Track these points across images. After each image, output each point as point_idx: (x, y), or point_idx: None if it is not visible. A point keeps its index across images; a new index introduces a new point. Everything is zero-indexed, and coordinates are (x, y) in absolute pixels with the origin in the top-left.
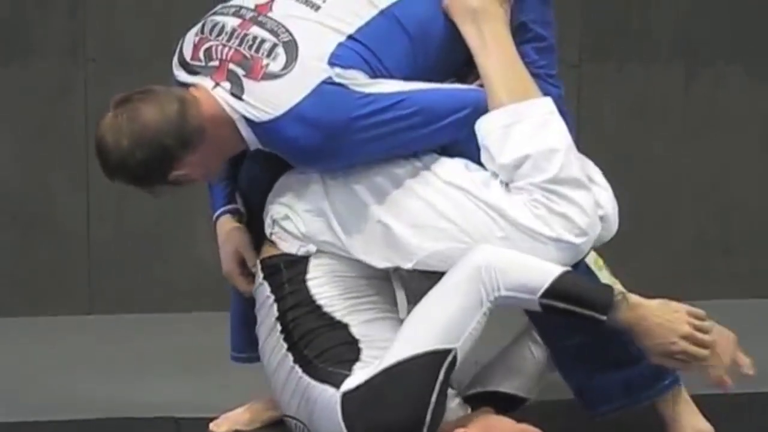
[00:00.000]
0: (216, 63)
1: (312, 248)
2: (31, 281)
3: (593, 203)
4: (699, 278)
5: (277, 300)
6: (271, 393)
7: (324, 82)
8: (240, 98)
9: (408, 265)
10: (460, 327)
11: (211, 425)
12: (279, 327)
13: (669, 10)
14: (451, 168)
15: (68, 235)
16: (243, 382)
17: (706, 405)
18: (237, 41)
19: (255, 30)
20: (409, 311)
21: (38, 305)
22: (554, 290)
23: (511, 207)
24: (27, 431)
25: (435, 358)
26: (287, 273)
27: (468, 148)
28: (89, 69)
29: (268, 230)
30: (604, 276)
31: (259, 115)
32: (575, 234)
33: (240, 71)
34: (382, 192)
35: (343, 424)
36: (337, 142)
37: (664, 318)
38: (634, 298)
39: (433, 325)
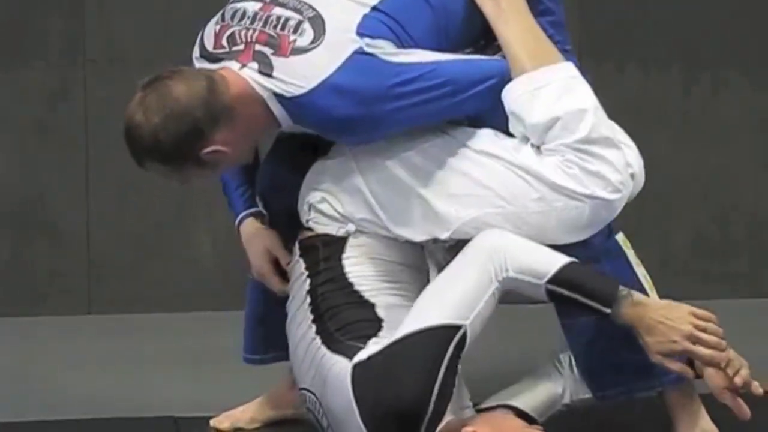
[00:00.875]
0: (241, 47)
1: (351, 228)
2: (31, 281)
3: (624, 161)
4: (697, 279)
5: (310, 276)
6: (270, 391)
7: (355, 52)
8: (270, 76)
9: (446, 235)
10: (469, 304)
11: (212, 422)
12: (308, 300)
13: (668, 12)
14: (481, 137)
15: (67, 236)
16: (243, 382)
17: (705, 404)
18: (261, 23)
19: (278, 10)
20: None
21: (37, 305)
22: (561, 277)
23: (544, 168)
24: (26, 431)
25: (444, 333)
26: (324, 252)
27: (495, 117)
28: (88, 70)
29: (304, 217)
30: (631, 255)
31: (292, 90)
32: (609, 191)
33: (267, 50)
34: (416, 167)
35: (352, 396)
36: (372, 111)
37: (666, 317)
38: (638, 295)
39: (443, 301)
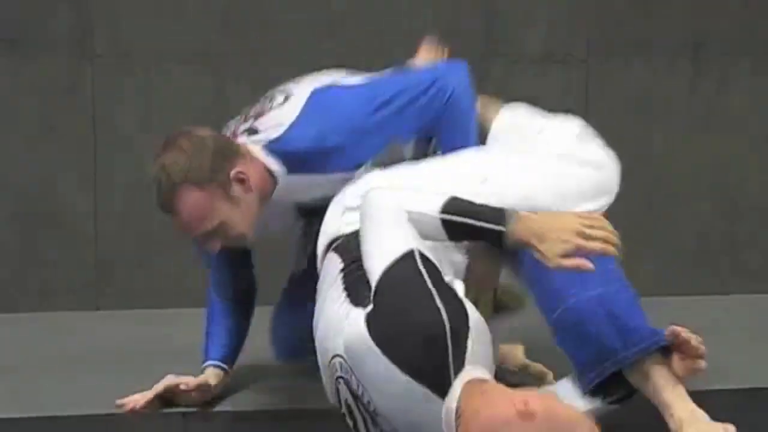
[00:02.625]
0: (232, 128)
1: None
2: (39, 277)
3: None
4: (704, 273)
5: (344, 261)
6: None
7: (314, 91)
8: (256, 132)
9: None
10: (401, 235)
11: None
12: (341, 276)
13: (676, 7)
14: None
15: (75, 232)
16: (246, 375)
17: (707, 401)
18: (250, 110)
19: (258, 109)
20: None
21: (46, 301)
22: (451, 206)
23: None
24: (33, 427)
25: (404, 259)
26: (356, 241)
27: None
28: (96, 65)
29: (340, 220)
30: None
31: (274, 133)
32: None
33: (252, 121)
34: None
35: (372, 343)
36: (345, 124)
37: (554, 222)
38: (523, 212)
39: (383, 243)
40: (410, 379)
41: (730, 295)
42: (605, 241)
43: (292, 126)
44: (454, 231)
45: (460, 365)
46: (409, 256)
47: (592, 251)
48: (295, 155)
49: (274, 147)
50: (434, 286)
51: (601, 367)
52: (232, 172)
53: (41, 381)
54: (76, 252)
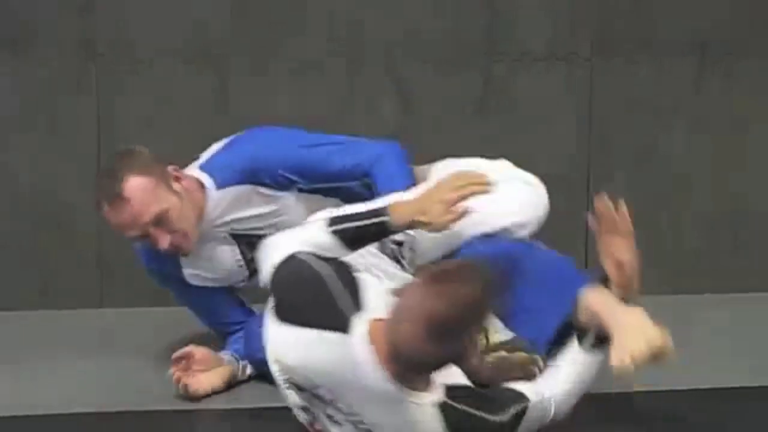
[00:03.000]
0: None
1: None
2: (42, 275)
3: None
4: (710, 272)
5: None
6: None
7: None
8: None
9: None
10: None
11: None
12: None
13: (681, 5)
14: None
15: (79, 230)
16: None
17: (711, 397)
18: None
19: None
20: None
21: (49, 299)
22: (334, 219)
23: None
24: (38, 424)
25: (289, 260)
26: None
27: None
28: (100, 65)
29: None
30: None
31: (206, 156)
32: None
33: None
34: None
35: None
36: (272, 149)
37: (426, 193)
38: (396, 200)
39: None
40: (316, 329)
41: (734, 294)
42: (476, 183)
43: (223, 148)
44: (347, 239)
45: (355, 306)
46: (291, 256)
47: (470, 195)
48: (222, 171)
49: (204, 166)
50: (312, 258)
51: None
52: (169, 168)
53: (45, 378)
54: (80, 250)
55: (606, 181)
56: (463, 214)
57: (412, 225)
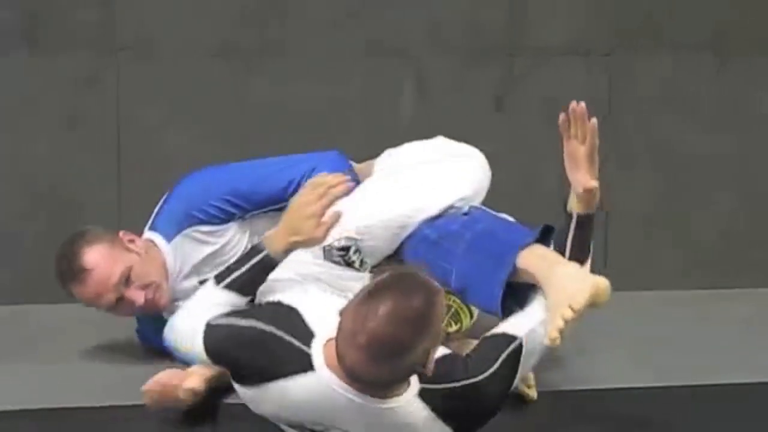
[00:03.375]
0: None
1: None
2: None
3: None
4: (727, 267)
5: None
6: None
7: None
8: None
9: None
10: (195, 329)
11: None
12: None
13: None
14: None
15: (99, 223)
16: None
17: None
18: None
19: None
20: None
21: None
22: (219, 276)
23: None
24: (58, 417)
25: (206, 333)
26: None
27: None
28: (120, 58)
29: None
30: None
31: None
32: None
33: None
34: None
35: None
36: (202, 185)
37: (289, 214)
38: (268, 233)
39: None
40: (281, 379)
41: (755, 289)
42: (334, 185)
43: (161, 203)
44: (239, 287)
45: (307, 336)
46: (209, 327)
47: (333, 200)
48: (166, 224)
49: (151, 226)
50: (233, 317)
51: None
52: (120, 233)
53: (65, 371)
54: None
55: (624, 177)
56: (335, 219)
57: (292, 247)
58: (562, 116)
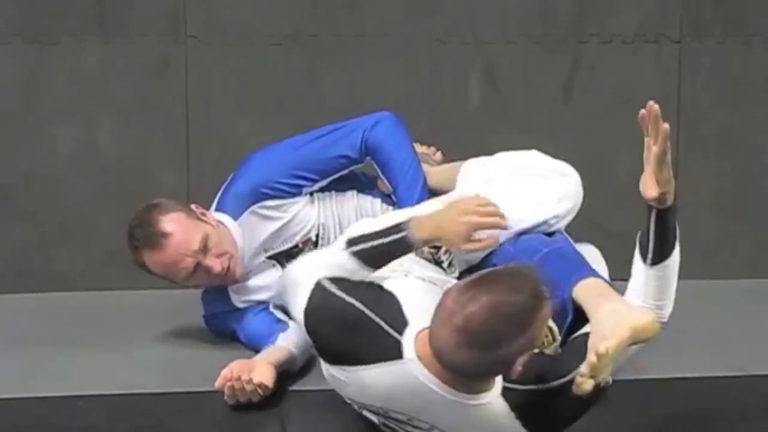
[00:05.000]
0: None
1: None
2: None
3: None
4: None
5: None
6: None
7: None
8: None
9: None
10: (308, 284)
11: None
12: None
13: None
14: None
15: None
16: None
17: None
18: None
19: None
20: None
21: (138, 279)
22: (352, 240)
23: None
24: (128, 402)
25: (314, 293)
26: None
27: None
28: (189, 45)
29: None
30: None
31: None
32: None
33: None
34: None
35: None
36: (266, 164)
37: (446, 212)
38: (416, 215)
39: (298, 301)
40: (369, 365)
41: None
42: (490, 213)
43: (225, 186)
44: (367, 258)
45: (401, 324)
46: (317, 289)
47: (487, 226)
48: (232, 203)
49: (217, 207)
50: (341, 290)
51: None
52: (192, 205)
53: (135, 357)
54: None
55: (694, 165)
56: (489, 244)
57: (433, 241)
58: (640, 112)
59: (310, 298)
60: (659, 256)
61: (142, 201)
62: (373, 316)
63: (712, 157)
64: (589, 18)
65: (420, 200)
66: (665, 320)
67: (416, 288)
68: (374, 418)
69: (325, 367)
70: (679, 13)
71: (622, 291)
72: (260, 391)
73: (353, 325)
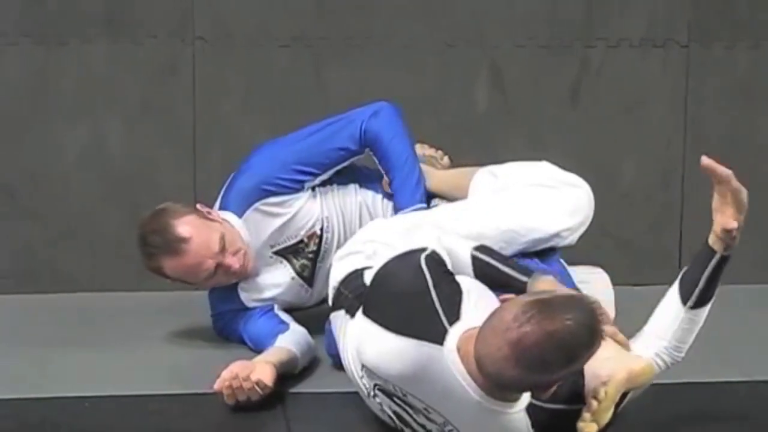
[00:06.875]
0: None
1: None
2: (139, 257)
3: None
4: None
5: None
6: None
7: None
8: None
9: None
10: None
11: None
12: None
13: None
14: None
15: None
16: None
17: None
18: None
19: None
20: None
21: (144, 281)
22: (484, 248)
23: None
24: (132, 403)
25: (410, 254)
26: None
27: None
28: (197, 47)
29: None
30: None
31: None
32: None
33: None
34: None
35: (368, 323)
36: (266, 159)
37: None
38: (543, 275)
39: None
40: (410, 338)
41: None
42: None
43: (227, 184)
44: (480, 270)
45: (453, 316)
46: (418, 250)
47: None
48: (235, 200)
49: (221, 206)
50: (429, 267)
51: None
52: (197, 206)
53: (143, 359)
54: None
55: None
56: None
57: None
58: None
59: (401, 256)
60: (702, 301)
61: (149, 202)
62: (435, 297)
63: (719, 162)
64: (596, 22)
65: (412, 195)
66: (679, 361)
67: (478, 289)
68: (388, 404)
69: (362, 324)
70: (687, 17)
71: (625, 298)
72: (259, 390)
73: (412, 295)
